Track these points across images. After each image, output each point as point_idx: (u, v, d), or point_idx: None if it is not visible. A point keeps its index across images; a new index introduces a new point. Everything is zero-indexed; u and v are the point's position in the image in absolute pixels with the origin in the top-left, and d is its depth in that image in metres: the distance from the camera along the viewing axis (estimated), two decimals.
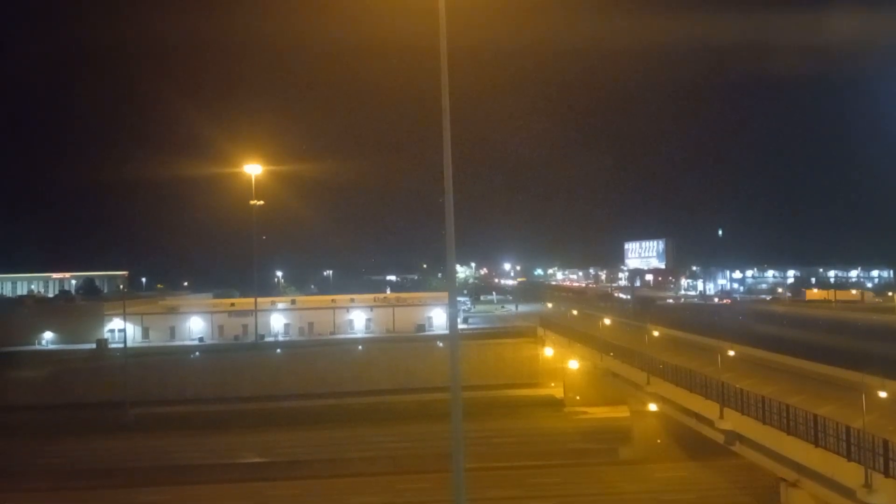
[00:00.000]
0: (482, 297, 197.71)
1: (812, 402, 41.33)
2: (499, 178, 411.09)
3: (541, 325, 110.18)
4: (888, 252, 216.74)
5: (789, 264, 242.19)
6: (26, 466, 69.15)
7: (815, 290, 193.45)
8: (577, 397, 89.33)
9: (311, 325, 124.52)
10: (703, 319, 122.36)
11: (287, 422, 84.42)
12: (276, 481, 65.68)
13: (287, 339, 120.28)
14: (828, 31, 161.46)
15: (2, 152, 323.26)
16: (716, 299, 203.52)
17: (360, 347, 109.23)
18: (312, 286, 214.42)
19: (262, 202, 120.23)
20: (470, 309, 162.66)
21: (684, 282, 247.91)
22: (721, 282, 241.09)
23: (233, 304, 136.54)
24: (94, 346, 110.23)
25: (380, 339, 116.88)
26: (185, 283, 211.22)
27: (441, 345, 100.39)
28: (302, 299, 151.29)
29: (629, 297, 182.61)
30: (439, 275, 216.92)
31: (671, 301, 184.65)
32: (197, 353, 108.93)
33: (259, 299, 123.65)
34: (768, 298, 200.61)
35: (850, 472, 35.43)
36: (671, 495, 58.96)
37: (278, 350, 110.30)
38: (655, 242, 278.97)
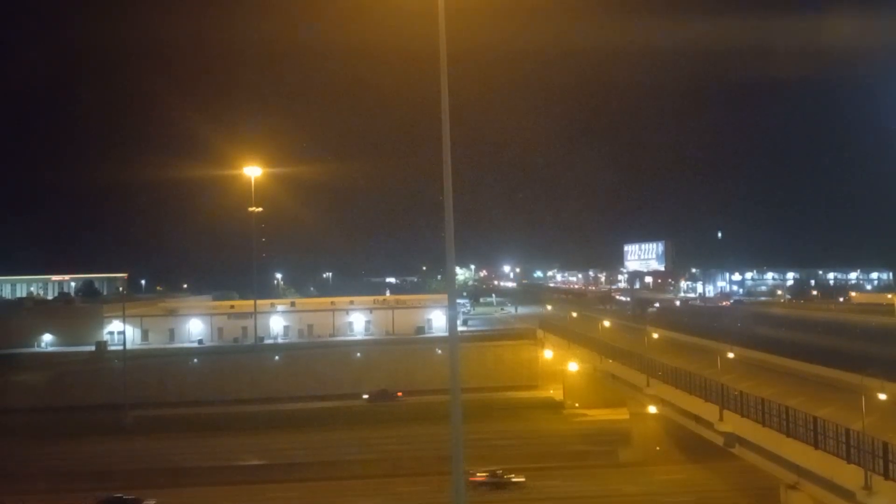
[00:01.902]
0: (482, 300, 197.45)
1: (812, 405, 41.31)
2: (498, 179, 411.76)
3: (540, 327, 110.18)
4: (887, 254, 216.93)
5: (788, 266, 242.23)
6: (25, 468, 68.98)
7: (871, 293, 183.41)
8: (577, 404, 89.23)
9: (310, 327, 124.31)
10: (701, 323, 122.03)
11: (286, 424, 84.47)
12: (276, 483, 65.62)
13: (286, 341, 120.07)
14: (828, 34, 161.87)
15: (2, 153, 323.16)
16: (678, 302, 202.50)
17: (358, 354, 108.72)
18: (312, 288, 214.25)
19: (260, 209, 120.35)
20: (469, 311, 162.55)
21: (684, 284, 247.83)
22: (720, 284, 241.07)
23: (232, 307, 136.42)
24: (93, 348, 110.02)
25: (379, 341, 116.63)
26: (185, 286, 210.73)
27: (440, 351, 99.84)
28: (301, 301, 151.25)
29: (628, 299, 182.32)
30: (439, 277, 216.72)
31: (657, 305, 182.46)
32: (196, 357, 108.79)
33: (258, 301, 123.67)
34: (767, 299, 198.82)
35: (849, 475, 35.43)
36: (671, 497, 58.90)
37: (277, 354, 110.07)
38: (655, 244, 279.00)
